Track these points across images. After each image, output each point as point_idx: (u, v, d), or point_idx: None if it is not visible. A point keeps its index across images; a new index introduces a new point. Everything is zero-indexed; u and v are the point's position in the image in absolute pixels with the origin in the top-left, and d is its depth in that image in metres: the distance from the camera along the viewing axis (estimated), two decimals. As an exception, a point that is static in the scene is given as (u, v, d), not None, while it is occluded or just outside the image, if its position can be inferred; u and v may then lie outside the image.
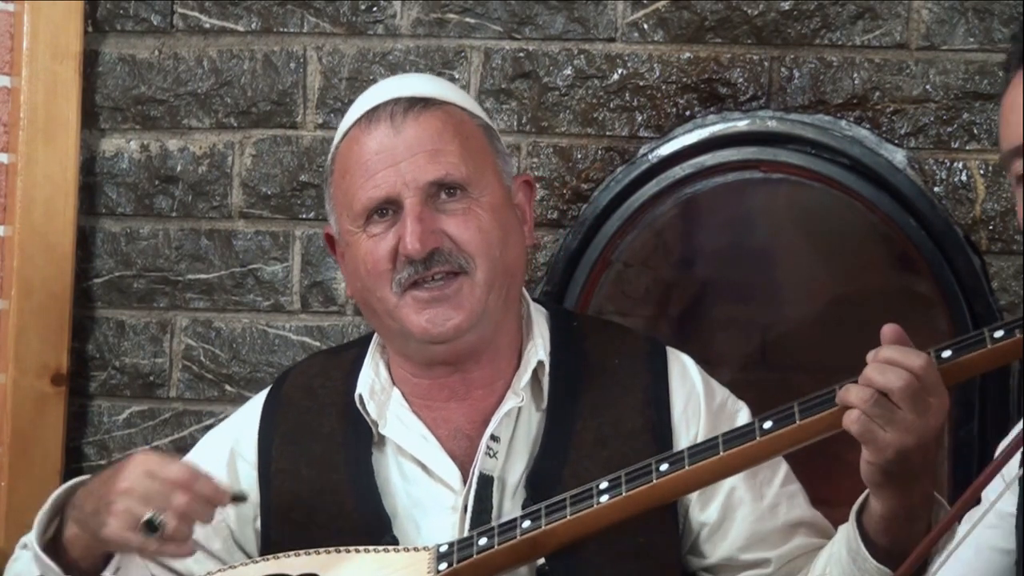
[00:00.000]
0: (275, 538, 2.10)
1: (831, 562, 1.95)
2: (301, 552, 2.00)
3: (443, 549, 1.95)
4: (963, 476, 2.68)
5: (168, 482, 1.90)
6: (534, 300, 2.19)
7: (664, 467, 1.90)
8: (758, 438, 1.87)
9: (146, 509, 1.89)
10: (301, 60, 2.83)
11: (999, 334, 1.82)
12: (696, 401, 2.10)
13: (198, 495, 1.90)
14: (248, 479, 2.15)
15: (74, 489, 2.02)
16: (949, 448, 2.71)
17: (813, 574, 1.99)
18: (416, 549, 1.97)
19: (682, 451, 1.91)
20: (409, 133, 2.05)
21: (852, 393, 1.82)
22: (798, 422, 1.86)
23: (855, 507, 1.93)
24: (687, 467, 1.88)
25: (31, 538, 2.02)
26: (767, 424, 1.87)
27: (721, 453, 1.88)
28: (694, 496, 2.05)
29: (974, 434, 2.67)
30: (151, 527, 1.89)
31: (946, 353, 1.84)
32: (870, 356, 1.84)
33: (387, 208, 2.04)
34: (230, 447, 2.17)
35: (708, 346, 2.95)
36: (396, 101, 2.07)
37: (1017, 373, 2.66)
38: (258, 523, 2.14)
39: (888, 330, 1.86)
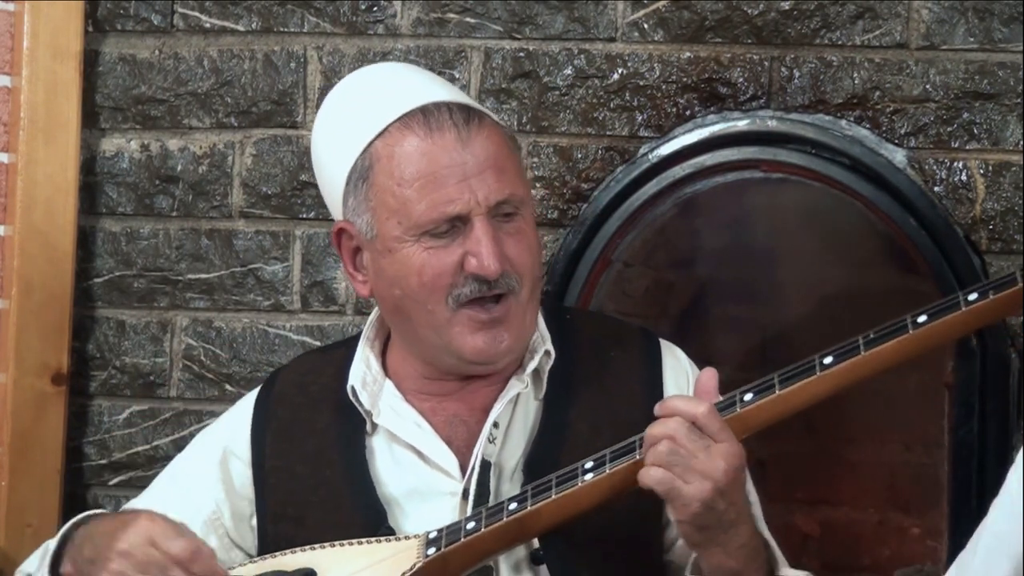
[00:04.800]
0: (272, 534, 2.11)
1: None
2: (296, 549, 2.02)
3: (432, 535, 1.96)
4: (963, 476, 2.68)
5: (168, 556, 1.89)
6: None
7: None
8: (739, 410, 1.89)
9: None
10: (301, 60, 2.83)
11: (973, 296, 1.84)
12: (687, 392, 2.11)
13: (194, 574, 1.89)
14: (242, 477, 2.15)
15: (80, 523, 2.04)
16: (949, 448, 2.71)
17: None
18: (406, 537, 1.99)
19: None
20: (477, 147, 2.01)
21: (652, 451, 1.86)
22: (777, 392, 1.88)
23: (688, 568, 1.97)
24: None
25: (38, 567, 2.04)
26: (748, 396, 1.90)
27: None
28: None
29: (974, 434, 2.67)
30: None
31: (922, 318, 1.85)
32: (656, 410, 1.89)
33: (451, 224, 2.01)
34: (223, 446, 2.17)
35: (708, 346, 2.95)
36: (450, 108, 2.03)
37: (1017, 373, 2.66)
38: (254, 520, 2.15)
39: (703, 376, 1.93)
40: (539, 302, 2.11)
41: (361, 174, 2.05)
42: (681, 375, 2.13)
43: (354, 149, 2.06)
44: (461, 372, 2.07)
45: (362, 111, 2.08)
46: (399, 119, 2.04)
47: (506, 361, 2.06)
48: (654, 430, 1.86)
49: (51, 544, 2.06)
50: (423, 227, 2.01)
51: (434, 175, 2.00)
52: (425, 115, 2.03)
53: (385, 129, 2.04)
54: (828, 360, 1.88)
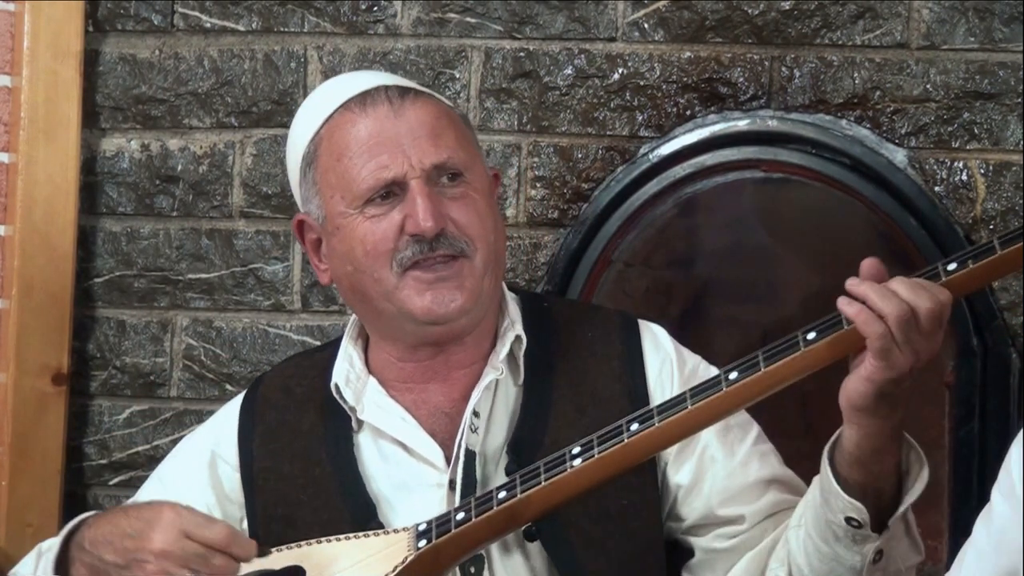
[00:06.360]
0: (263, 536, 2.09)
1: (807, 509, 1.96)
2: (283, 547, 2.01)
3: (422, 527, 1.96)
4: (963, 475, 2.68)
5: (207, 545, 1.91)
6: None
7: (635, 426, 1.91)
8: (725, 389, 1.88)
9: (183, 572, 1.90)
10: (302, 60, 2.83)
11: (952, 266, 1.85)
12: (669, 367, 2.12)
13: (236, 556, 1.92)
14: (231, 481, 2.15)
15: (78, 526, 2.03)
16: (949, 448, 2.71)
17: (790, 523, 2.00)
18: (396, 531, 1.99)
19: (651, 409, 1.92)
20: (410, 116, 2.06)
21: (889, 303, 1.82)
22: (763, 369, 1.87)
23: (827, 447, 1.94)
24: (657, 424, 1.89)
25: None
26: (733, 375, 1.88)
27: (689, 407, 1.89)
28: (670, 458, 2.07)
29: (974, 434, 2.67)
30: None
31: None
32: (891, 282, 1.85)
33: (389, 191, 2.05)
34: (211, 450, 2.17)
35: (708, 345, 2.95)
36: (386, 88, 2.09)
37: (1017, 373, 2.66)
38: (244, 524, 2.14)
39: (868, 263, 1.90)
40: (501, 277, 2.12)
41: (308, 160, 2.11)
42: (662, 351, 2.13)
43: (304, 140, 2.12)
44: (422, 338, 2.07)
45: (314, 109, 2.14)
46: (341, 105, 2.09)
47: (463, 322, 2.06)
48: (902, 292, 1.83)
49: (51, 550, 2.04)
50: (362, 196, 2.05)
51: (369, 145, 2.05)
52: (363, 96, 2.09)
53: (329, 116, 2.10)
54: (811, 336, 1.88)
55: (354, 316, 2.18)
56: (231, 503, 2.14)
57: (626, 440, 1.90)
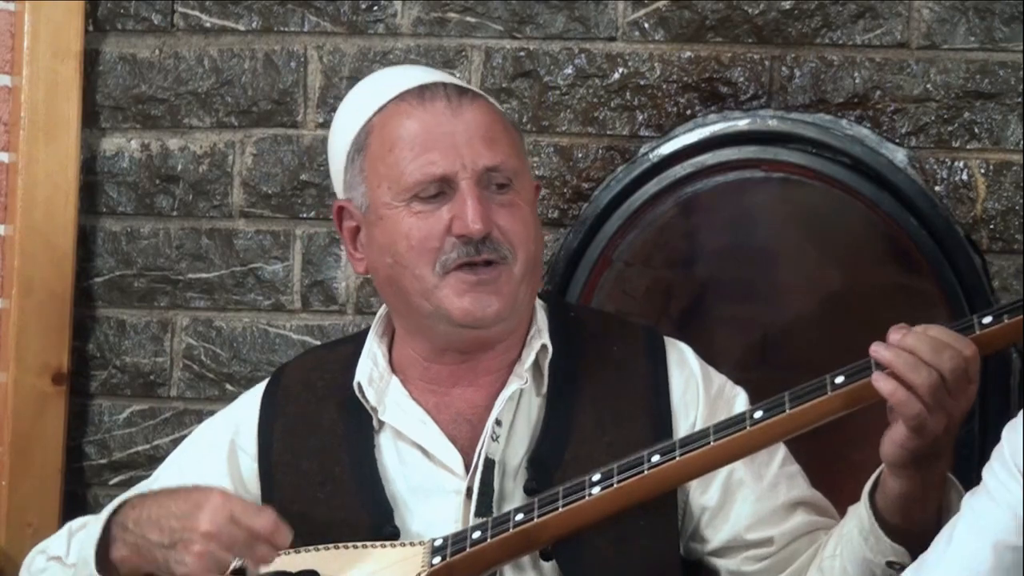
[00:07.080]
0: None
1: (842, 543, 1.96)
2: (301, 549, 2.01)
3: (438, 543, 1.97)
4: (963, 475, 2.67)
5: (253, 532, 1.92)
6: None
7: (656, 458, 1.91)
8: (748, 428, 1.88)
9: (228, 555, 1.92)
10: (302, 59, 2.83)
11: (988, 319, 1.84)
12: (695, 387, 2.11)
13: (277, 547, 1.93)
14: (249, 471, 2.16)
15: (121, 506, 2.04)
16: (949, 448, 2.71)
17: (824, 554, 2.00)
18: (412, 543, 1.99)
19: (673, 442, 1.93)
20: (468, 116, 2.06)
21: (917, 373, 1.81)
22: (788, 411, 1.87)
23: (867, 487, 1.94)
24: (678, 458, 1.90)
25: (83, 555, 2.03)
26: (758, 414, 1.89)
27: (712, 443, 1.90)
28: (694, 480, 2.06)
29: (974, 434, 2.66)
30: None
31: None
32: (911, 337, 1.82)
33: (440, 190, 2.04)
34: (230, 438, 2.18)
35: (709, 345, 2.94)
36: (445, 85, 2.09)
37: (1017, 373, 2.66)
38: None
39: (895, 330, 1.87)
40: (537, 287, 2.12)
41: (357, 147, 2.10)
42: (687, 370, 2.13)
43: (355, 127, 2.11)
44: (455, 341, 2.07)
45: (367, 97, 2.13)
46: (397, 96, 2.09)
47: (497, 328, 2.05)
48: (925, 355, 1.81)
49: (84, 528, 2.06)
50: (411, 190, 2.04)
51: (423, 139, 2.05)
52: (420, 90, 2.09)
53: (383, 106, 2.09)
54: (839, 380, 1.87)
55: (381, 312, 2.18)
56: (248, 493, 2.14)
57: (646, 472, 1.91)
